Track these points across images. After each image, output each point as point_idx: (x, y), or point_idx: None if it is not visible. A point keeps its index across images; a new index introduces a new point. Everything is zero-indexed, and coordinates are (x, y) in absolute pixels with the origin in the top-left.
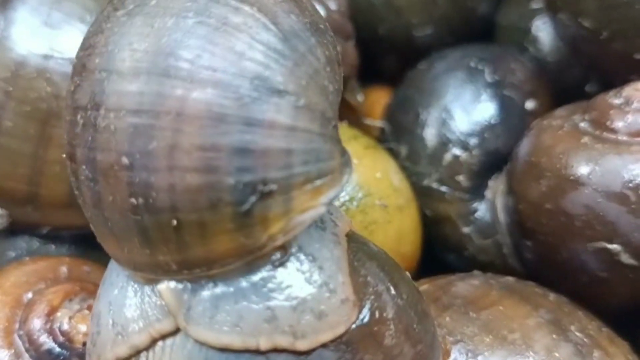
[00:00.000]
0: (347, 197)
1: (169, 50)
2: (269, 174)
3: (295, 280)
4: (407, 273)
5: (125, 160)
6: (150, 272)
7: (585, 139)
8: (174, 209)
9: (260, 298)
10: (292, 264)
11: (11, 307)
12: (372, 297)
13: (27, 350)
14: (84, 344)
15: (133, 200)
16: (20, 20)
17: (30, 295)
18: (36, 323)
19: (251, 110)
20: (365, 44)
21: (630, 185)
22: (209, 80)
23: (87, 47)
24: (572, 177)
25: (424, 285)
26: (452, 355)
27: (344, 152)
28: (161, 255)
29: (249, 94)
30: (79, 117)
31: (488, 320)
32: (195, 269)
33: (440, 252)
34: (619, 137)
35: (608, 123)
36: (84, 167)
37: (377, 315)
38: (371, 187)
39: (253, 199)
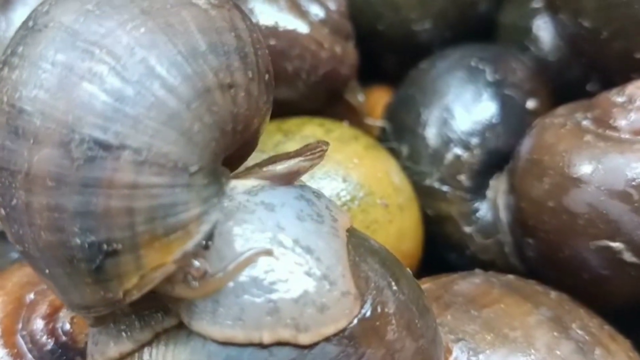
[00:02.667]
0: (348, 197)
1: (20, 106)
2: (112, 234)
3: (295, 273)
4: (408, 269)
5: (2, 211)
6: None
7: (588, 137)
8: (43, 260)
9: (262, 291)
10: (289, 257)
11: (13, 308)
12: (374, 292)
13: (29, 351)
14: (87, 343)
15: (19, 246)
16: (21, 21)
17: (32, 295)
18: (38, 323)
19: (87, 170)
20: (366, 43)
21: (633, 183)
22: (49, 139)
23: None
24: (574, 175)
25: (426, 284)
26: (454, 354)
27: (210, 201)
28: (54, 293)
29: (84, 153)
30: None
31: (489, 319)
32: (85, 314)
33: (441, 252)
34: (622, 136)
35: (611, 121)
36: None
37: (379, 310)
38: (372, 187)
39: (101, 257)
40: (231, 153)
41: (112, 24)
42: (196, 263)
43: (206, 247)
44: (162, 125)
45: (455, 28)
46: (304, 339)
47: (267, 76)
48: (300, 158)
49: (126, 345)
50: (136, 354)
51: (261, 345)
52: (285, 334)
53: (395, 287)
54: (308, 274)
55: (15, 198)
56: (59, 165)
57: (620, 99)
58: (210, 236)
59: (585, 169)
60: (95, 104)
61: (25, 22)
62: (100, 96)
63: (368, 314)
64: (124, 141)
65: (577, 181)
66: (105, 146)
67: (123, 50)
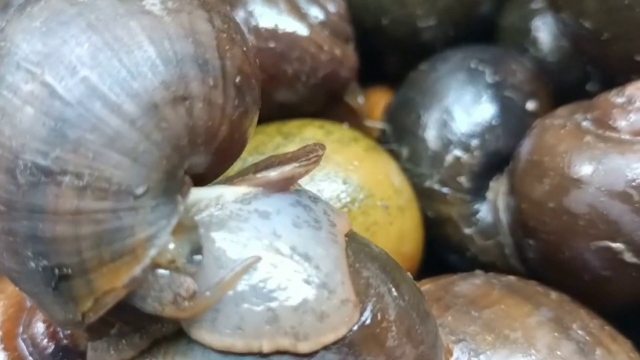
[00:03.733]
0: (348, 199)
1: None
2: (61, 260)
3: (293, 281)
4: (409, 274)
5: None
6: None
7: (588, 138)
8: (11, 280)
9: (261, 299)
10: (287, 265)
11: (14, 311)
12: (374, 298)
13: (30, 354)
14: (87, 347)
15: None
16: None
17: None
18: (39, 327)
19: (32, 196)
20: (368, 42)
21: (634, 184)
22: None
23: None
24: (575, 176)
25: (426, 285)
26: (455, 355)
27: (155, 223)
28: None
29: (27, 179)
30: None
31: (490, 320)
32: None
33: (442, 253)
34: (622, 136)
35: (611, 122)
36: None
37: (379, 317)
38: (372, 189)
39: (55, 281)
40: (203, 164)
41: (56, 42)
42: (185, 282)
43: (194, 263)
44: (103, 147)
45: (458, 28)
46: (304, 347)
47: (238, 78)
48: (295, 164)
49: (125, 353)
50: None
51: (261, 354)
52: (285, 343)
53: (395, 293)
54: (307, 281)
55: None
56: (7, 191)
57: (620, 100)
58: (197, 251)
59: (585, 169)
60: (37, 128)
61: None
62: (41, 120)
63: (368, 321)
64: (64, 166)
65: (578, 182)
66: (46, 172)
67: (65, 70)
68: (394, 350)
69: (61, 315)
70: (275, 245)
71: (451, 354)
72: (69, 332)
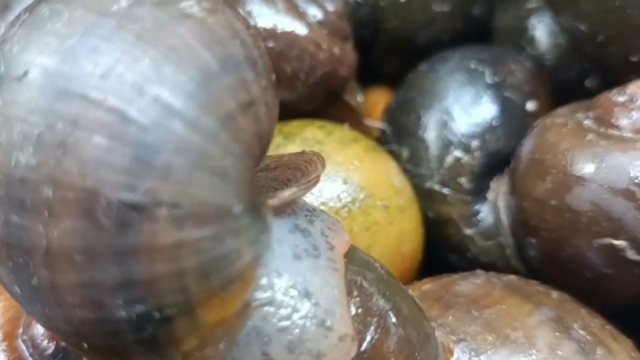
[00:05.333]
0: (349, 199)
1: (19, 175)
2: (162, 301)
3: (291, 320)
4: (410, 292)
5: (17, 290)
6: None
7: (590, 136)
8: (80, 336)
9: (258, 342)
10: (287, 303)
11: (14, 313)
12: (372, 327)
13: (31, 355)
14: None
15: (44, 323)
16: None
17: None
18: (39, 328)
19: (121, 238)
20: (366, 44)
21: (636, 181)
22: (68, 210)
23: None
24: (577, 174)
25: (427, 285)
26: (455, 354)
27: (256, 239)
28: None
29: (114, 219)
30: None
31: (491, 319)
32: None
33: (442, 254)
34: (624, 134)
35: (612, 120)
36: None
37: (377, 347)
38: (372, 189)
39: (152, 326)
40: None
41: (107, 59)
42: None
43: None
44: (192, 169)
45: (455, 30)
46: None
47: (273, 76)
48: (295, 189)
49: None
50: None
51: None
52: None
53: (395, 320)
54: (305, 321)
55: (36, 277)
56: (86, 238)
57: (621, 99)
58: None
59: (587, 167)
60: (115, 159)
61: (1, 66)
62: (118, 149)
63: (366, 354)
64: (158, 197)
65: (580, 179)
66: (138, 207)
67: (130, 90)
68: None
69: None
70: (276, 285)
71: (452, 354)
72: None
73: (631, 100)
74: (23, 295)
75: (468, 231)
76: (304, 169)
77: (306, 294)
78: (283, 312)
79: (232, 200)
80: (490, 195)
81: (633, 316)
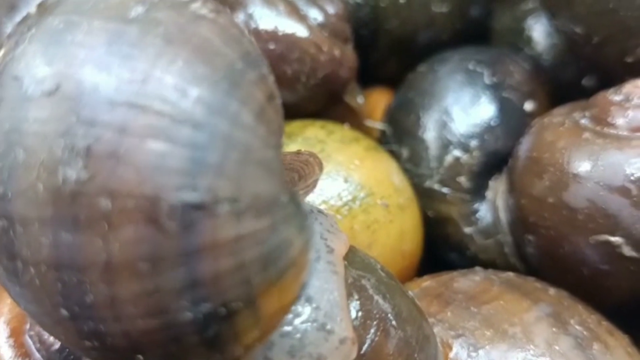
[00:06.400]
0: (349, 197)
1: (70, 190)
2: (226, 296)
3: (292, 325)
4: (410, 293)
5: (65, 312)
6: None
7: (587, 135)
8: (135, 349)
9: (260, 347)
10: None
11: (21, 310)
12: (372, 330)
13: (38, 350)
14: None
15: (88, 343)
16: None
17: None
18: None
19: (185, 239)
20: (366, 45)
21: (632, 178)
22: (130, 219)
23: None
24: (574, 172)
25: (427, 282)
26: (454, 349)
27: (302, 224)
28: None
29: (179, 222)
30: None
31: (489, 315)
32: None
33: (442, 253)
34: (620, 133)
35: (609, 119)
36: (23, 308)
37: (377, 350)
38: (373, 187)
39: (216, 323)
40: None
41: (143, 65)
42: None
43: None
44: (242, 164)
45: (454, 31)
46: None
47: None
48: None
49: None
50: None
51: None
52: None
53: (394, 323)
54: (306, 326)
55: (91, 294)
56: (152, 245)
57: (617, 98)
58: None
59: (584, 165)
60: (172, 162)
61: (9, 85)
62: (174, 152)
63: (366, 356)
64: (217, 194)
65: (577, 177)
66: (199, 207)
67: (174, 93)
68: None
69: None
70: None
71: (451, 349)
72: None
73: (627, 99)
74: (71, 317)
75: (467, 229)
76: (301, 170)
77: (307, 299)
78: (286, 317)
79: (279, 190)
80: (489, 194)
81: (630, 313)
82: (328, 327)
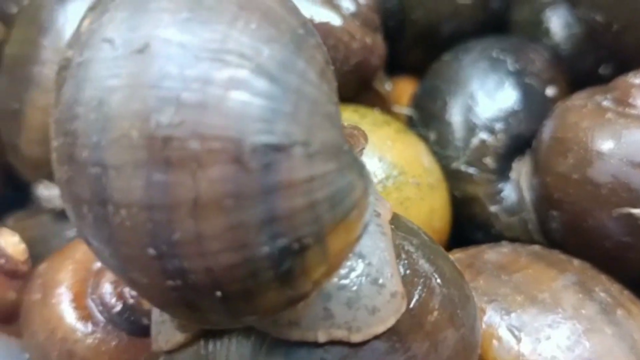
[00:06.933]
0: (383, 175)
1: (164, 134)
2: (300, 233)
3: (349, 279)
4: (452, 258)
5: (151, 251)
6: (197, 325)
7: (609, 115)
8: (216, 285)
9: (320, 299)
10: (345, 264)
11: (83, 274)
12: (419, 287)
13: (100, 312)
14: None
15: (171, 282)
16: (78, 13)
17: (98, 264)
18: (107, 287)
19: (265, 177)
20: (393, 35)
21: None
22: (216, 159)
23: (64, 133)
24: (598, 149)
25: (457, 254)
26: (488, 313)
27: (362, 172)
28: (211, 316)
29: (259, 161)
30: (84, 209)
31: (519, 283)
32: (248, 322)
33: (468, 232)
34: None
35: (630, 100)
36: (107, 254)
37: (424, 305)
38: (404, 167)
39: (290, 258)
40: None
41: (222, 26)
42: None
43: None
44: (312, 114)
45: (476, 23)
46: (356, 338)
47: None
48: None
49: (191, 332)
50: (202, 341)
51: (316, 344)
52: (339, 334)
53: (439, 281)
54: (360, 279)
55: (179, 232)
56: (236, 182)
57: (638, 81)
58: None
59: (608, 143)
60: (253, 110)
61: (101, 47)
62: (253, 101)
63: (414, 310)
64: (292, 138)
65: (600, 154)
66: (277, 148)
67: (251, 50)
68: (437, 334)
69: (279, 297)
70: None
71: (484, 313)
72: (135, 292)
73: None
74: (158, 255)
75: (493, 208)
76: (348, 142)
77: (360, 255)
78: (342, 272)
79: (341, 139)
80: (513, 174)
81: None
82: (380, 281)
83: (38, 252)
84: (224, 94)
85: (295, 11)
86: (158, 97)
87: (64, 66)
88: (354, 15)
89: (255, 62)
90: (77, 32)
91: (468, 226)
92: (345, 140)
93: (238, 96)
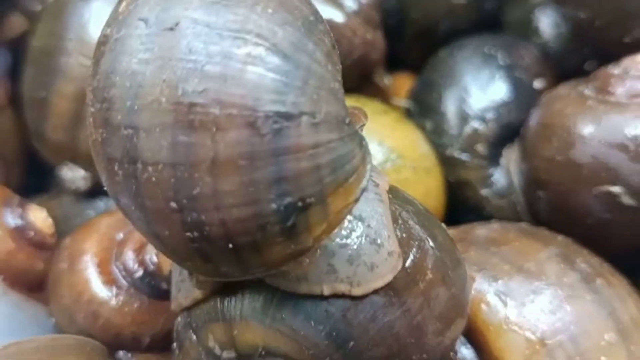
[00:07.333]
0: (383, 158)
1: (189, 100)
2: (304, 192)
3: (350, 239)
4: (444, 225)
5: (173, 205)
6: (212, 277)
7: (590, 102)
8: (228, 237)
9: (324, 256)
10: (346, 226)
11: (108, 243)
12: (414, 249)
13: (123, 278)
14: (170, 272)
15: (189, 234)
16: (103, 10)
17: (121, 235)
18: (130, 255)
19: (276, 142)
20: (393, 33)
21: (629, 136)
22: (233, 124)
23: (102, 99)
24: (580, 133)
25: (449, 231)
26: (477, 280)
27: (361, 143)
28: (223, 267)
29: (271, 127)
30: (116, 167)
31: (506, 254)
32: (256, 274)
33: (461, 215)
34: (619, 100)
35: (610, 89)
36: (133, 208)
37: (418, 265)
38: (402, 152)
39: (294, 215)
40: None
41: (243, 10)
42: None
43: None
44: (318, 89)
45: (469, 21)
46: (357, 291)
47: None
48: None
49: (208, 289)
50: (217, 297)
51: (321, 297)
52: (341, 288)
53: (432, 244)
54: (360, 239)
55: (198, 187)
56: (250, 144)
57: (617, 71)
58: None
59: (588, 127)
60: (266, 82)
61: (137, 25)
62: (268, 75)
63: (409, 269)
64: (300, 109)
65: (582, 137)
66: (287, 116)
67: (267, 32)
68: (430, 292)
69: (284, 250)
70: None
71: (474, 280)
72: (155, 259)
73: (625, 72)
74: (179, 208)
75: (484, 192)
76: (351, 118)
77: (360, 219)
78: (343, 232)
79: (344, 113)
80: (502, 161)
81: (629, 260)
82: (378, 241)
83: (61, 231)
84: (243, 67)
85: (307, 2)
86: (185, 68)
87: (102, 42)
88: (356, 13)
89: (271, 41)
90: (115, 13)
91: (461, 209)
92: (348, 113)
93: (254, 70)
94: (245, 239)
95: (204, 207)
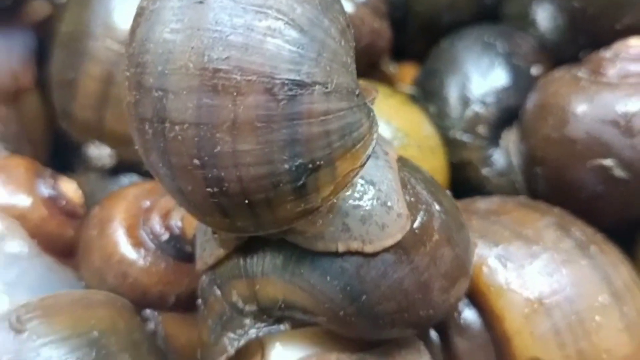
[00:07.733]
0: (390, 137)
1: (214, 66)
2: (314, 155)
3: (362, 201)
4: (448, 191)
5: (196, 162)
6: (229, 232)
7: (583, 83)
8: (245, 193)
9: (339, 215)
10: (359, 189)
11: (135, 210)
12: (422, 212)
13: (150, 241)
14: (194, 235)
15: (209, 189)
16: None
17: (148, 203)
18: (156, 220)
19: (290, 107)
20: (398, 25)
21: (620, 113)
22: (252, 89)
23: (136, 64)
24: (574, 111)
25: None
26: (479, 246)
27: (369, 114)
28: (239, 222)
29: (286, 94)
30: (146, 127)
31: (506, 222)
32: (268, 229)
33: (463, 194)
34: (611, 80)
35: (601, 70)
36: (160, 165)
37: (425, 227)
38: (408, 131)
39: (305, 175)
40: None
41: None
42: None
43: None
44: (331, 62)
45: (470, 14)
46: (369, 249)
47: None
48: None
49: (232, 246)
50: (240, 255)
51: (336, 254)
52: (355, 245)
53: (438, 208)
54: (372, 201)
55: (219, 146)
56: (267, 108)
57: (608, 55)
58: None
59: (582, 106)
60: (284, 53)
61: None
62: (285, 47)
63: (417, 230)
64: (314, 78)
65: (576, 115)
66: (301, 85)
67: (287, 8)
68: (436, 251)
69: (294, 208)
70: None
71: (476, 246)
72: (180, 224)
73: (616, 55)
74: (202, 165)
75: (485, 171)
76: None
77: (371, 182)
78: (356, 194)
79: (354, 85)
80: (502, 142)
81: (620, 232)
82: (389, 204)
83: (88, 207)
84: (263, 39)
85: None
86: (211, 37)
87: (139, 13)
88: (364, 3)
89: (290, 16)
90: None
91: (463, 189)
92: (358, 86)
93: (273, 42)
94: (259, 195)
95: (224, 164)
